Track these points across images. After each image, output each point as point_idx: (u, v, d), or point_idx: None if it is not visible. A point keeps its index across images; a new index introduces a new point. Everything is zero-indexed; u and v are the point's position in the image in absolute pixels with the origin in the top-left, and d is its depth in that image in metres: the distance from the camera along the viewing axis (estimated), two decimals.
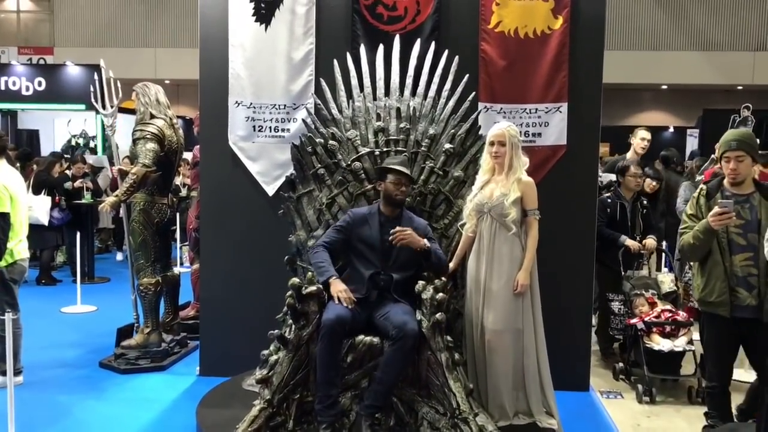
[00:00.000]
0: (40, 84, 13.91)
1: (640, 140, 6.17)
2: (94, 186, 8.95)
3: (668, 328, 4.79)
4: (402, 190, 3.72)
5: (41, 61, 16.41)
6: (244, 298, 4.79)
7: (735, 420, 3.77)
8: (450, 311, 3.76)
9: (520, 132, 4.19)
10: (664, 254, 5.80)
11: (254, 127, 4.76)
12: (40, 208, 6.82)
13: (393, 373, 3.43)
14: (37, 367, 5.05)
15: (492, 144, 3.74)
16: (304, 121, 4.43)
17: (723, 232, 3.47)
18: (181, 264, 8.89)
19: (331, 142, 4.12)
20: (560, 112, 4.61)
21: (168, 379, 5.02)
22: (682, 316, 4.87)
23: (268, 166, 4.78)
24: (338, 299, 3.50)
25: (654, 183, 5.87)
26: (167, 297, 5.65)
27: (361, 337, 3.54)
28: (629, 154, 6.16)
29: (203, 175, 4.94)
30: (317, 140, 4.15)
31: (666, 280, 5.26)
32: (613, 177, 5.82)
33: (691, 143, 16.07)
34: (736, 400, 3.76)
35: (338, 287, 3.55)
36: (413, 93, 4.23)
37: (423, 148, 4.08)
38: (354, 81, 4.28)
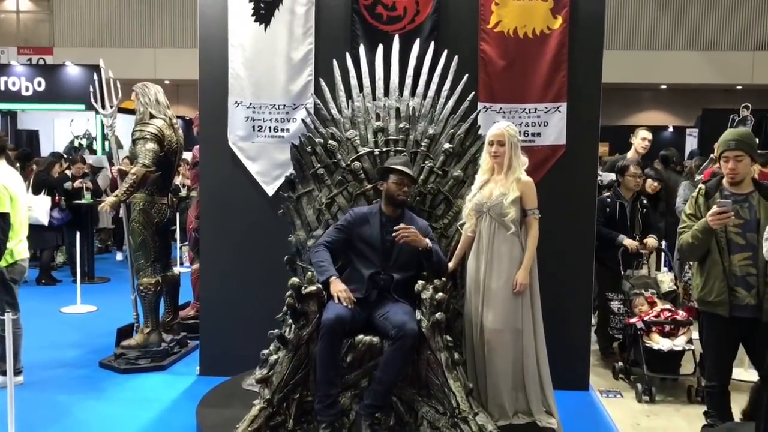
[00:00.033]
0: (39, 84, 13.90)
1: (641, 140, 6.18)
2: (93, 186, 8.94)
3: (668, 328, 4.80)
4: (404, 190, 3.73)
5: (41, 62, 16.40)
6: (243, 298, 4.80)
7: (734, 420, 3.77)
8: (449, 311, 3.76)
9: (520, 132, 4.19)
10: (663, 254, 5.81)
11: (254, 127, 4.76)
12: (39, 209, 6.83)
13: (393, 373, 3.43)
14: (37, 367, 5.05)
15: (491, 144, 3.74)
16: (303, 121, 4.43)
17: (722, 232, 3.47)
18: (181, 264, 8.89)
19: (330, 142, 4.13)
20: (559, 111, 4.61)
21: (168, 378, 5.02)
22: (681, 315, 4.88)
23: (267, 166, 4.78)
24: (338, 299, 3.50)
25: (656, 184, 5.87)
26: (167, 297, 5.66)
27: (360, 336, 3.55)
28: (630, 154, 6.16)
29: (203, 175, 4.94)
30: (317, 140, 4.16)
31: (665, 279, 5.26)
32: (613, 176, 5.82)
33: (691, 143, 16.07)
34: (736, 399, 3.76)
35: (338, 287, 3.55)
36: (412, 93, 4.23)
37: (422, 148, 4.09)
38: (353, 81, 4.28)
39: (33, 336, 5.16)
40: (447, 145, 4.06)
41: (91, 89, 5.66)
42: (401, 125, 4.11)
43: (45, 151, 12.90)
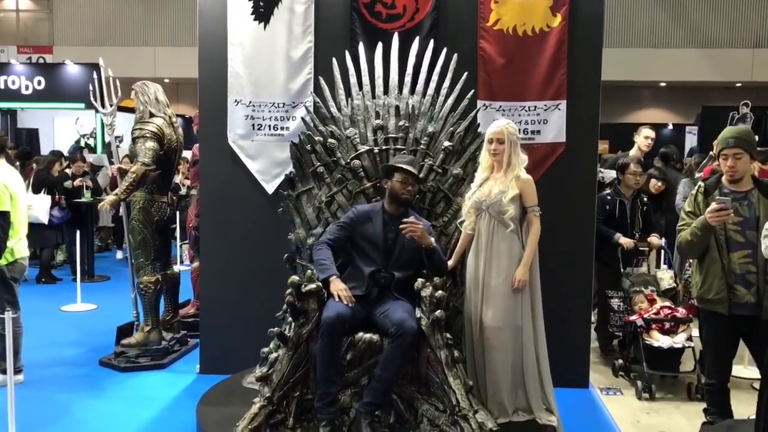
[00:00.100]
0: (39, 83, 13.90)
1: (644, 138, 6.17)
2: (93, 184, 8.94)
3: (667, 325, 4.80)
4: (408, 189, 3.73)
5: (40, 60, 16.39)
6: (243, 296, 4.80)
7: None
8: (449, 308, 3.77)
9: (519, 129, 4.20)
10: (663, 251, 5.81)
11: (253, 125, 4.76)
12: (39, 207, 6.83)
13: (392, 371, 3.43)
14: (37, 366, 5.05)
15: (491, 141, 3.74)
16: (303, 119, 4.43)
17: (721, 230, 3.46)
18: (181, 262, 8.91)
19: (330, 140, 4.13)
20: (559, 109, 4.61)
21: (168, 377, 5.03)
22: (681, 312, 4.88)
23: (267, 165, 4.78)
24: (338, 297, 3.51)
25: (659, 184, 5.86)
26: (167, 295, 5.66)
27: (360, 334, 3.55)
28: (633, 152, 6.16)
29: (203, 173, 4.94)
30: (316, 138, 4.15)
31: (665, 277, 5.26)
32: (614, 174, 5.82)
33: (690, 140, 16.07)
34: (736, 396, 3.77)
35: (338, 286, 3.55)
36: (412, 91, 4.23)
37: (422, 146, 4.08)
38: (353, 79, 4.28)
39: (33, 334, 5.16)
40: (446, 143, 4.06)
41: (91, 88, 5.66)
42: (401, 123, 4.11)
43: (45, 149, 12.89)
